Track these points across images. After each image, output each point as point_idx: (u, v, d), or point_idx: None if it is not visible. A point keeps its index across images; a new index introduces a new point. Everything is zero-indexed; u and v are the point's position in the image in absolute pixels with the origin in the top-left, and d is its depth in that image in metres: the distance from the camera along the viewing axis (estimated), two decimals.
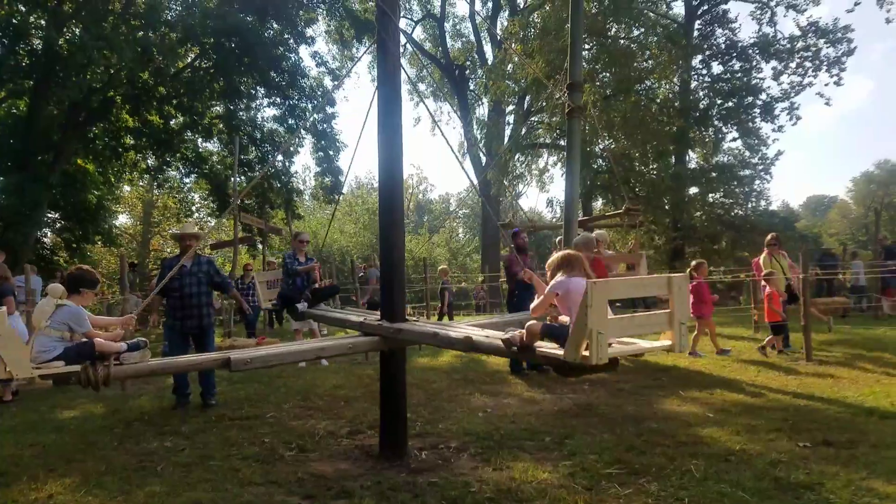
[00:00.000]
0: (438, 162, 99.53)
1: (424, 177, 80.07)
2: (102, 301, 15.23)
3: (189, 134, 22.87)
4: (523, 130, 25.07)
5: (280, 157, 22.44)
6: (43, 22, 17.70)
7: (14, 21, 17.25)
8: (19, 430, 5.76)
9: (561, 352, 2.92)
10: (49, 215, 22.02)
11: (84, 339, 3.61)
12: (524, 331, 3.26)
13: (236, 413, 6.16)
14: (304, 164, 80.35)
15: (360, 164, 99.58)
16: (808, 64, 21.31)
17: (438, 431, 5.32)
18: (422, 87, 32.73)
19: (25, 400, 7.29)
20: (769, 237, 9.98)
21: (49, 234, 24.09)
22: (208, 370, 6.57)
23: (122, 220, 37.14)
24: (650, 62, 20.98)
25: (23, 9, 17.28)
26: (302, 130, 22.36)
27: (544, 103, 20.67)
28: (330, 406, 6.40)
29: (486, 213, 28.32)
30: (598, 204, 27.42)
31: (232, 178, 14.70)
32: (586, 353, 2.70)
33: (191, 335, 6.69)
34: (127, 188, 32.29)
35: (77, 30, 17.73)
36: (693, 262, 9.81)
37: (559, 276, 3.35)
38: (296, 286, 7.40)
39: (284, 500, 3.77)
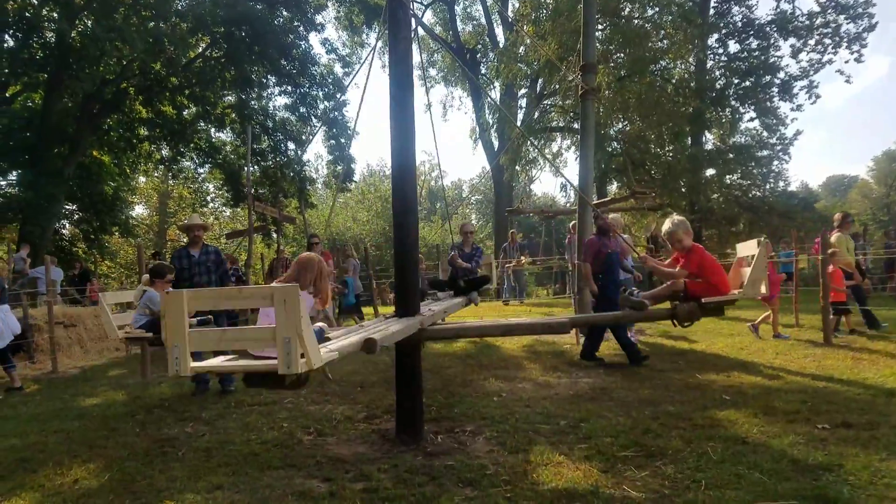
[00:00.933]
0: (450, 148, 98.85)
1: (436, 163, 79.93)
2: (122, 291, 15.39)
3: (202, 124, 22.96)
4: (536, 114, 24.87)
5: (292, 146, 22.47)
6: (55, 14, 17.78)
7: (27, 14, 17.37)
8: (44, 417, 5.87)
9: None
10: (66, 207, 22.29)
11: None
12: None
13: (255, 399, 6.22)
14: (316, 152, 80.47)
15: (371, 152, 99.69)
16: (827, 41, 20.95)
17: (454, 416, 5.35)
18: (432, 71, 32.55)
19: (49, 388, 7.41)
20: (839, 216, 9.62)
21: (67, 225, 24.41)
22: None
23: (139, 210, 37.55)
24: (665, 42, 20.68)
25: (35, 2, 17.38)
26: (313, 119, 22.37)
27: (557, 86, 20.49)
28: (346, 391, 6.45)
29: (498, 199, 28.26)
30: (613, 187, 27.21)
31: (245, 168, 14.77)
32: None
33: (201, 325, 6.76)
34: (142, 179, 32.62)
35: (89, 22, 17.79)
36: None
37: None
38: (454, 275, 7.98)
39: (303, 484, 3.80)
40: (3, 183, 20.27)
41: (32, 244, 16.12)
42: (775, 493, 3.38)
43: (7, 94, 20.58)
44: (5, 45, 19.18)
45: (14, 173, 19.28)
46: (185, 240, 8.31)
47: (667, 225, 5.29)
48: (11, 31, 18.53)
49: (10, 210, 18.52)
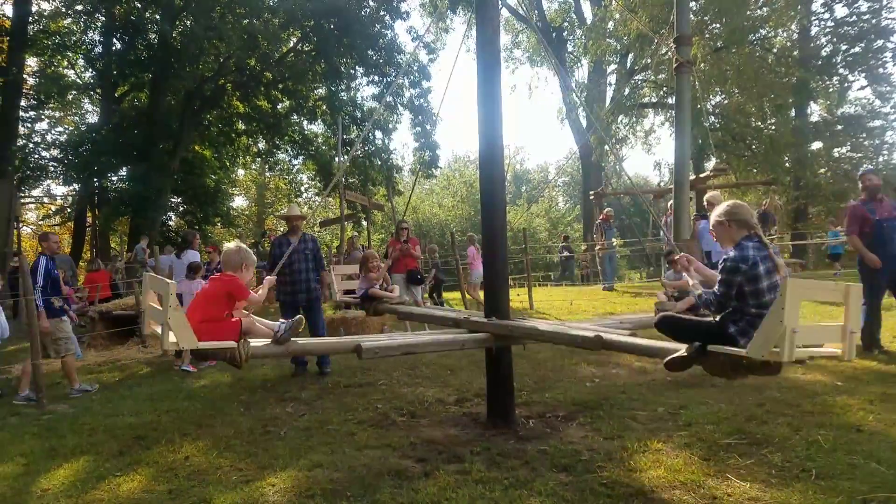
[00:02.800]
0: (536, 130, 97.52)
1: (521, 146, 79.12)
2: None
3: (295, 117, 23.78)
4: (626, 91, 24.06)
5: (379, 135, 22.84)
6: (157, 16, 18.88)
7: (132, 17, 18.52)
8: (156, 398, 6.29)
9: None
10: (172, 200, 23.74)
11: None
12: None
13: (350, 381, 6.42)
14: (402, 141, 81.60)
15: (456, 139, 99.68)
16: None
17: (545, 400, 5.30)
18: (517, 52, 32.07)
19: (160, 371, 7.93)
20: None
21: (173, 217, 26.02)
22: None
23: (239, 201, 39.45)
24: (765, 9, 19.45)
25: (139, 5, 18.48)
26: (399, 107, 22.63)
27: (649, 60, 19.70)
28: (437, 375, 6.53)
29: (585, 180, 27.60)
30: (711, 164, 25.97)
31: (336, 158, 15.23)
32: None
33: (301, 308, 7.03)
34: (241, 171, 34.19)
35: (188, 22, 18.78)
36: None
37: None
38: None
39: (399, 463, 3.89)
40: (115, 178, 21.81)
41: (144, 235, 17.29)
42: (894, 485, 3.14)
43: (116, 95, 22.13)
44: (113, 48, 20.62)
45: (124, 169, 20.68)
46: (282, 229, 8.64)
47: None
48: (119, 34, 19.88)
49: (122, 203, 19.95)
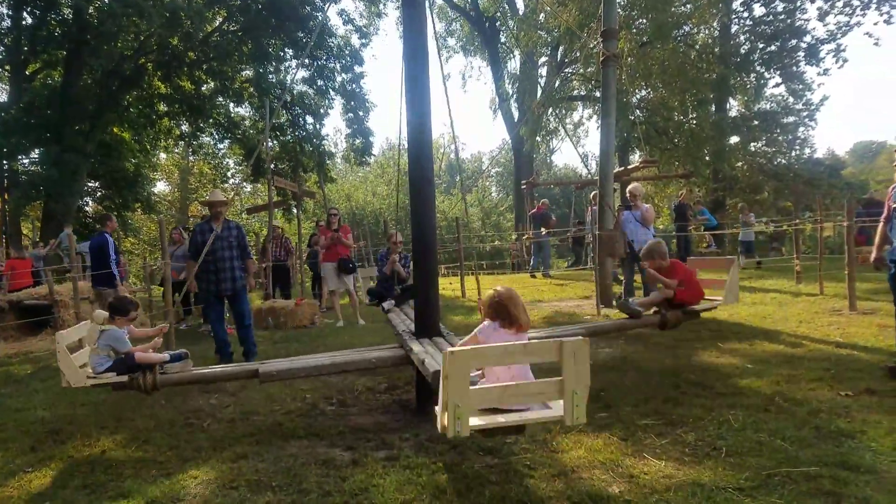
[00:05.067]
0: (469, 120, 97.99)
1: (455, 136, 79.23)
2: (146, 267, 15.62)
3: (220, 99, 23.02)
4: (557, 83, 24.51)
5: (310, 120, 22.43)
6: None
7: None
8: (72, 390, 5.96)
9: None
10: (89, 184, 22.58)
11: (127, 353, 4.44)
12: None
13: None
14: (334, 126, 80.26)
15: (391, 126, 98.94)
16: (856, 2, 20.21)
17: None
18: (451, 41, 32.12)
19: None
20: None
21: (90, 202, 24.76)
22: (248, 340, 6.89)
23: (161, 187, 37.95)
24: (688, 6, 20.18)
25: None
26: (331, 91, 22.29)
27: (578, 53, 20.14)
28: None
29: (518, 171, 28.00)
30: (636, 157, 26.86)
31: (263, 143, 14.87)
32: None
33: (226, 297, 6.86)
34: (163, 155, 32.91)
35: None
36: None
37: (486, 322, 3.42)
38: (388, 284, 7.41)
39: (327, 452, 3.87)
40: (27, 161, 20.55)
41: (57, 221, 16.38)
42: (797, 460, 3.36)
43: (28, 72, 20.78)
44: (24, 22, 19.34)
45: (36, 151, 19.51)
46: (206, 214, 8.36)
47: (645, 251, 5.90)
48: (29, 9, 18.64)
49: (34, 187, 18.80)
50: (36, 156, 19.97)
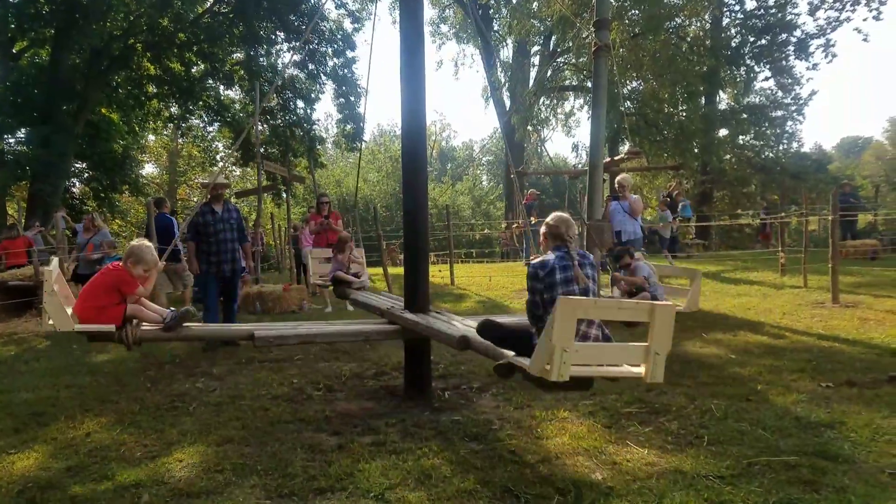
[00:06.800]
0: (461, 108, 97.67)
1: (447, 123, 79.21)
2: None
3: (210, 81, 22.74)
4: (549, 72, 24.45)
5: (301, 104, 22.23)
6: None
7: None
8: (56, 372, 5.96)
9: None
10: (76, 165, 22.29)
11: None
12: None
13: (265, 356, 6.31)
14: (326, 111, 79.82)
15: (382, 112, 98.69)
16: None
17: (461, 373, 5.42)
18: (444, 28, 31.92)
19: (60, 345, 7.50)
20: None
21: (77, 184, 24.47)
22: (232, 322, 6.90)
23: (149, 169, 37.55)
24: None
25: None
26: (322, 76, 22.08)
27: (571, 43, 20.08)
28: (355, 349, 6.52)
29: (509, 159, 27.98)
30: (626, 148, 26.88)
31: (254, 126, 14.75)
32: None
33: (224, 278, 6.91)
34: (151, 137, 32.51)
35: None
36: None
37: None
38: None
39: (313, 437, 3.89)
40: (13, 140, 20.25)
41: (44, 202, 16.19)
42: (777, 449, 3.43)
43: (14, 51, 20.42)
44: None
45: (23, 130, 19.22)
46: (195, 199, 8.37)
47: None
48: None
49: (19, 168, 18.52)
50: (22, 135, 19.67)
